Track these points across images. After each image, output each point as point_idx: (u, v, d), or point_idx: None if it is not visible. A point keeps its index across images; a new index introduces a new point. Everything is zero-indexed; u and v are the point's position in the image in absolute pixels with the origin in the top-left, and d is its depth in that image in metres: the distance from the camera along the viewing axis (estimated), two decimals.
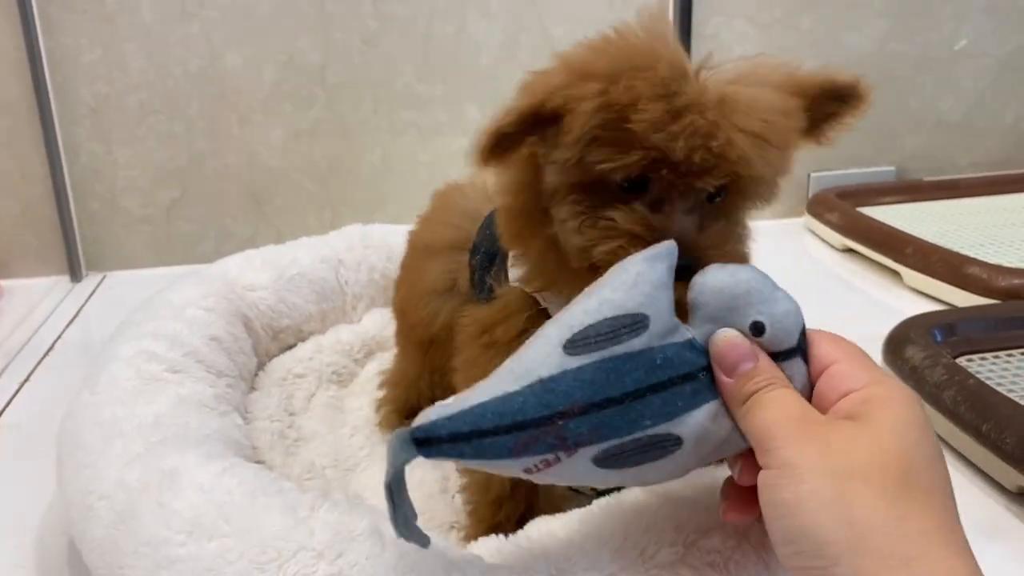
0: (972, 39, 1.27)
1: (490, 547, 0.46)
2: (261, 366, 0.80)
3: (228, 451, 0.56)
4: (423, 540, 0.39)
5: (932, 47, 1.27)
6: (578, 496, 0.60)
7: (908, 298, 1.00)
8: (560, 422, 0.37)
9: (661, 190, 0.42)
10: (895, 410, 0.36)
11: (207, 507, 0.46)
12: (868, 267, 1.10)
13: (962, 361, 0.74)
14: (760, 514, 0.36)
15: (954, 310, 0.91)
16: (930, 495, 0.34)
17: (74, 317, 1.03)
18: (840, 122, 0.45)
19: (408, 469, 0.38)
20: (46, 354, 0.93)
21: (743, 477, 0.39)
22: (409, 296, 0.66)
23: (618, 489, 0.49)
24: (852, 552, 0.32)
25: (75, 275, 1.16)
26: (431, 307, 0.63)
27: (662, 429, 0.38)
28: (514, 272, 0.51)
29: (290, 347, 0.83)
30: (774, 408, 0.37)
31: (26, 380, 0.87)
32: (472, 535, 0.54)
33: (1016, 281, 0.90)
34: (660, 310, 0.39)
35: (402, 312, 0.68)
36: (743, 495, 0.39)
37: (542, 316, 0.49)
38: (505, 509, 0.54)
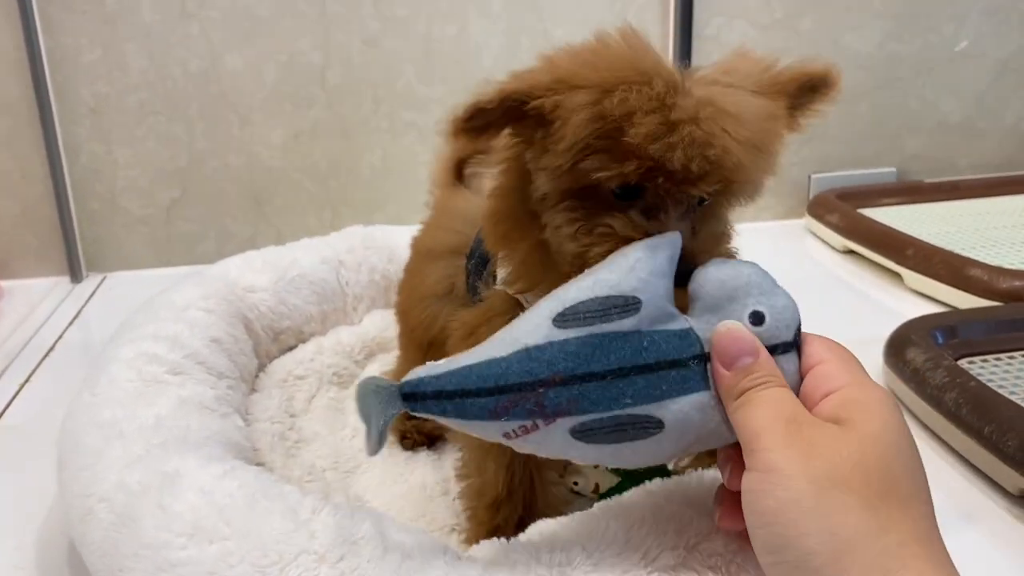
0: (972, 40, 1.27)
1: (490, 549, 0.46)
2: (262, 367, 0.80)
3: (229, 453, 0.56)
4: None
5: (932, 48, 1.27)
6: (579, 498, 0.61)
7: (909, 300, 1.00)
8: (540, 389, 0.39)
9: (655, 197, 0.42)
10: (876, 415, 0.36)
11: (208, 510, 0.46)
12: (869, 268, 1.10)
13: (963, 363, 0.74)
14: None
15: (955, 312, 0.91)
16: (910, 504, 0.34)
17: (74, 318, 1.03)
18: (814, 110, 0.47)
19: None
20: (46, 355, 0.93)
21: (732, 481, 0.39)
22: (410, 299, 0.67)
23: (619, 491, 0.49)
24: (834, 564, 0.33)
25: (75, 275, 1.16)
26: (431, 310, 0.63)
27: (642, 410, 0.39)
28: (500, 274, 0.51)
29: (291, 348, 0.83)
30: (765, 407, 0.37)
31: (26, 381, 0.87)
32: (472, 538, 0.54)
33: (1017, 283, 0.90)
34: (654, 296, 0.39)
35: (403, 314, 0.69)
36: (736, 501, 0.39)
37: None
38: (503, 512, 0.54)
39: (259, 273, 0.81)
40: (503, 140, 0.46)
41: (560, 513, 0.50)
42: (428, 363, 0.41)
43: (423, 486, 0.64)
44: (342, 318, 0.88)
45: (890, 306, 0.99)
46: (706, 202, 0.44)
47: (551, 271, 0.46)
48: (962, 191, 1.28)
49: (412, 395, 0.40)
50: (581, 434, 0.39)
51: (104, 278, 1.17)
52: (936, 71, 1.28)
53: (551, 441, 0.40)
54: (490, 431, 0.40)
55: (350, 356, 0.83)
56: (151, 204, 1.18)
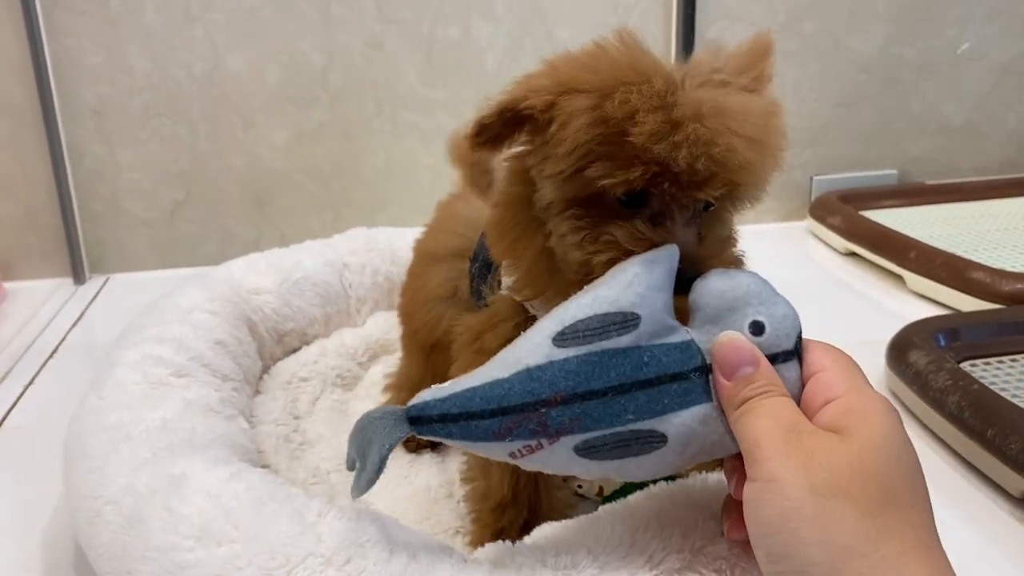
0: (974, 43, 1.27)
1: (496, 552, 0.46)
2: (266, 370, 0.80)
3: (234, 455, 0.56)
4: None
5: (935, 51, 1.27)
6: (584, 501, 0.61)
7: (911, 302, 1.00)
8: (543, 409, 0.39)
9: (661, 203, 0.42)
10: (876, 424, 0.36)
11: (215, 512, 0.46)
12: (871, 271, 1.10)
13: (966, 366, 0.74)
14: None
15: (958, 315, 0.91)
16: (909, 512, 0.35)
17: (78, 319, 1.03)
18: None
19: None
20: (50, 356, 0.93)
21: (738, 491, 0.39)
22: (413, 302, 0.67)
23: (624, 495, 0.49)
24: (834, 574, 0.33)
25: (78, 277, 1.17)
26: (434, 313, 0.64)
27: (645, 425, 0.39)
28: (506, 280, 0.52)
29: (294, 351, 0.84)
30: (766, 417, 0.37)
31: (30, 383, 0.87)
32: (477, 541, 0.55)
33: (1020, 286, 0.90)
34: (653, 311, 0.40)
35: (406, 317, 0.69)
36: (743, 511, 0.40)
37: (530, 324, 0.49)
38: (508, 515, 0.54)
39: (263, 275, 0.82)
40: (507, 150, 0.46)
41: (564, 516, 0.50)
42: (433, 387, 0.41)
43: (427, 489, 0.64)
44: (345, 320, 0.88)
45: (892, 308, 0.99)
46: (711, 207, 0.44)
47: (557, 278, 0.46)
48: (964, 193, 1.29)
49: (418, 419, 0.40)
50: (585, 451, 0.39)
51: (107, 280, 1.18)
52: (938, 74, 1.28)
53: (556, 459, 0.40)
54: (496, 451, 0.40)
55: (353, 358, 0.83)
56: (154, 206, 1.18)
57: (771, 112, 0.42)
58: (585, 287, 0.41)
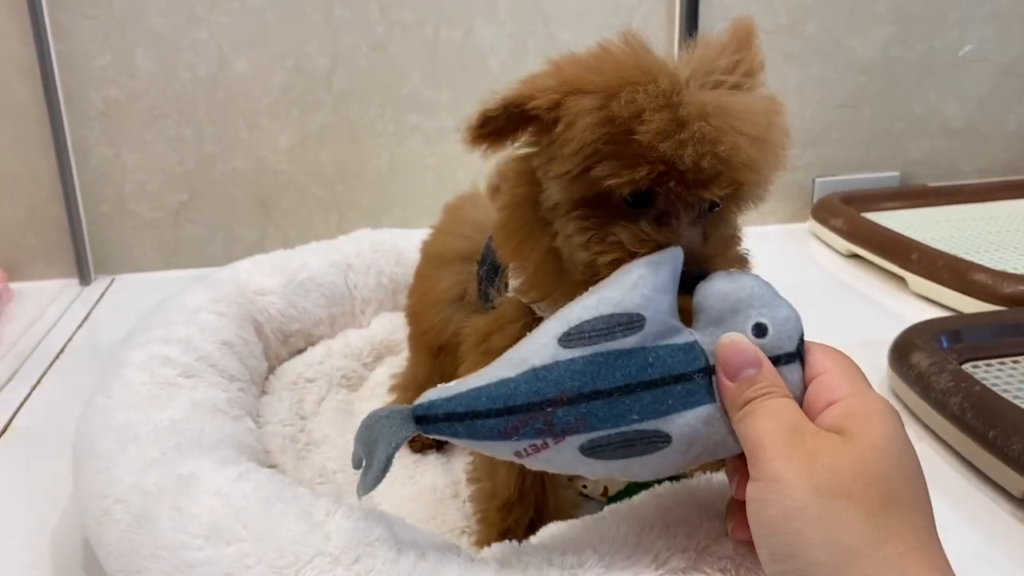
0: (976, 45, 1.28)
1: (502, 551, 0.47)
2: (271, 370, 0.80)
3: (242, 455, 0.56)
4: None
5: (936, 53, 1.27)
6: (589, 501, 0.61)
7: (913, 304, 1.00)
8: (549, 409, 0.39)
9: (666, 203, 0.42)
10: (877, 426, 0.37)
11: (224, 511, 0.46)
12: (873, 273, 1.11)
13: (968, 367, 0.75)
14: None
15: (960, 316, 0.91)
16: (910, 514, 0.35)
17: (83, 320, 1.04)
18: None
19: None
20: (56, 357, 0.93)
21: (740, 491, 0.39)
22: (421, 303, 0.67)
23: (628, 495, 0.50)
24: (836, 574, 0.33)
25: (84, 278, 1.17)
26: (442, 315, 0.64)
27: (650, 425, 0.39)
28: (513, 282, 0.52)
29: (300, 351, 0.84)
30: (768, 417, 0.37)
31: (37, 384, 0.87)
32: (483, 541, 0.55)
33: (1021, 287, 0.91)
34: (658, 312, 0.40)
35: (414, 318, 0.69)
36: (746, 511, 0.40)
37: (537, 326, 0.50)
38: (514, 514, 0.55)
39: (268, 276, 0.82)
40: (512, 151, 0.46)
41: (570, 516, 0.50)
42: (439, 386, 0.42)
43: (433, 488, 0.65)
44: (350, 321, 0.88)
45: (894, 310, 0.99)
46: (716, 207, 0.44)
47: (564, 280, 0.46)
48: (966, 195, 1.29)
49: (424, 417, 0.41)
50: (590, 451, 0.40)
51: (112, 280, 1.18)
52: (940, 76, 1.29)
53: (561, 458, 0.40)
54: (501, 450, 0.41)
55: (358, 359, 0.84)
56: (159, 207, 1.19)
57: (773, 111, 0.43)
58: (591, 288, 0.42)
